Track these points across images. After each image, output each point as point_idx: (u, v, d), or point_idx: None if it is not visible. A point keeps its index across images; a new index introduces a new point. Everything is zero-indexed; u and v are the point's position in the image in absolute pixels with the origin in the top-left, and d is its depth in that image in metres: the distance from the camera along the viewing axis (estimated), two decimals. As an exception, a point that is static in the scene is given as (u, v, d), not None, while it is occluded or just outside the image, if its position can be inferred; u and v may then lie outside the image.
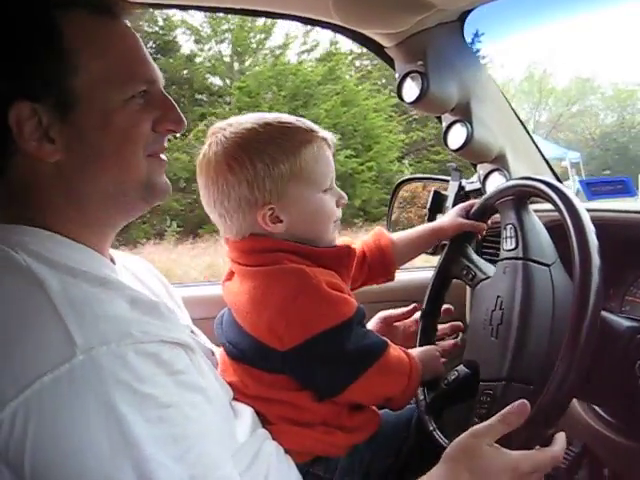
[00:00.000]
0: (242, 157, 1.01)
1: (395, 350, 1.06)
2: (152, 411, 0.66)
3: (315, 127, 1.08)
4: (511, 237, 1.12)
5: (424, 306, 1.29)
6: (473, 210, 1.27)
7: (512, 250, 1.10)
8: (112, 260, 0.92)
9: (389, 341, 1.06)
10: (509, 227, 1.13)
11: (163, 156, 0.88)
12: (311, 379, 1.01)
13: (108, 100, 0.79)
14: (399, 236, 1.33)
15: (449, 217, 1.31)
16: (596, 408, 1.20)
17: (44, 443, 0.63)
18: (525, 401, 0.87)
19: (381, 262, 1.29)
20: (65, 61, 0.76)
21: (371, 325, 1.30)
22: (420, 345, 1.23)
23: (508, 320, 1.02)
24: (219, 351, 1.11)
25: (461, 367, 1.10)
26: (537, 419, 0.88)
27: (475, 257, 1.24)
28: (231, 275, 1.12)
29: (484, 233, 1.29)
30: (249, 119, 1.06)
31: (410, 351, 1.10)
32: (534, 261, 1.07)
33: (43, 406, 0.63)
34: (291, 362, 0.99)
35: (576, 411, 1.23)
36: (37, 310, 0.67)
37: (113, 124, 0.80)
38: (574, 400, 1.18)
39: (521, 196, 1.16)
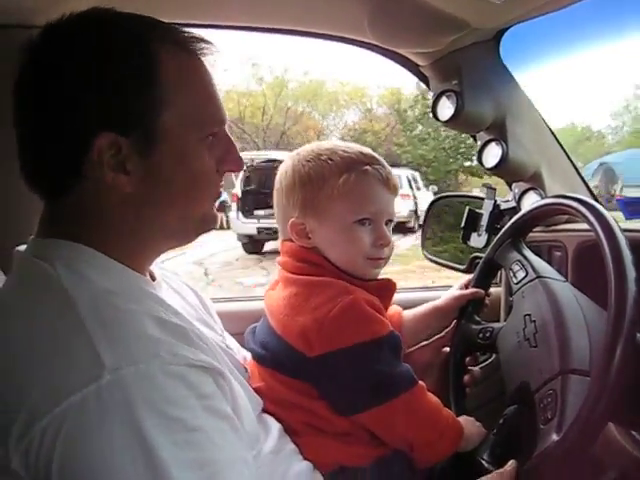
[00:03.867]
0: (295, 168, 1.10)
1: (432, 398, 1.04)
2: (179, 434, 0.66)
3: (375, 160, 1.10)
4: (519, 270, 1.17)
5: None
6: (472, 282, 1.29)
7: (524, 277, 1.14)
8: (152, 277, 0.93)
9: (424, 385, 1.03)
10: (514, 264, 1.19)
11: (221, 190, 0.90)
12: (331, 391, 1.01)
13: (188, 139, 0.81)
14: (409, 312, 1.30)
15: (447, 294, 1.30)
16: (634, 433, 1.17)
17: (70, 462, 0.63)
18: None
19: None
20: (158, 97, 0.78)
21: (410, 351, 1.25)
22: (454, 398, 1.21)
23: (543, 325, 1.03)
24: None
25: (508, 409, 1.05)
26: (574, 439, 0.86)
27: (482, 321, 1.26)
28: (275, 285, 1.16)
29: (487, 301, 1.29)
30: (322, 145, 1.13)
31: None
32: (550, 278, 1.09)
33: (71, 426, 0.63)
34: (316, 370, 0.99)
35: (613, 436, 1.20)
36: (67, 329, 0.68)
37: (188, 163, 0.81)
38: (611, 424, 1.15)
39: (517, 234, 1.23)
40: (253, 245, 11.98)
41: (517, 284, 1.16)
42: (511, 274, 1.19)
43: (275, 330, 1.06)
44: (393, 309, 1.28)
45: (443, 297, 1.30)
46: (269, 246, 11.30)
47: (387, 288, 1.13)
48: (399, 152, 23.11)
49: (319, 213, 1.06)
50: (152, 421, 0.64)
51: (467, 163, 23.52)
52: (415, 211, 14.51)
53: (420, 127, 24.17)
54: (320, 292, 1.03)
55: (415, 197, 15.09)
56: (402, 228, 13.27)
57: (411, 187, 15.60)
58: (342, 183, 1.06)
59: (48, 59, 0.78)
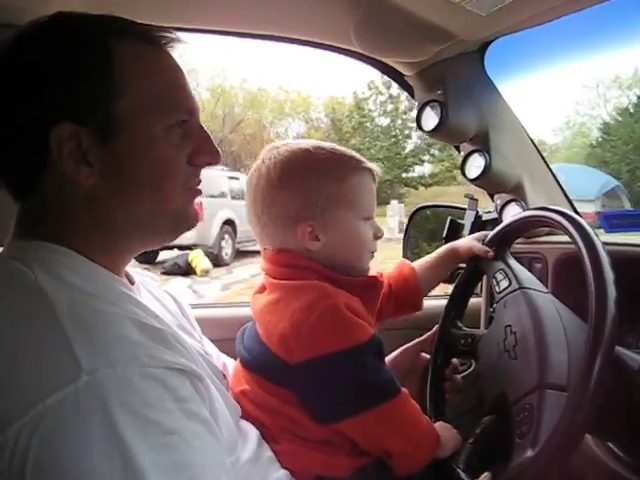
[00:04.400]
0: (293, 172, 1.07)
1: (412, 406, 1.04)
2: (156, 437, 0.65)
3: (363, 159, 1.13)
4: (503, 279, 1.18)
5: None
6: (488, 238, 1.31)
7: (507, 287, 1.16)
8: (130, 280, 0.92)
9: (406, 392, 1.03)
10: (498, 273, 1.21)
11: (199, 187, 0.89)
12: (311, 399, 0.99)
13: (150, 128, 0.79)
14: (419, 263, 1.36)
15: (464, 240, 1.37)
16: (610, 445, 1.18)
17: (45, 464, 0.62)
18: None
19: (406, 292, 1.31)
20: (112, 86, 0.77)
21: (391, 357, 1.28)
22: (432, 407, 1.23)
23: (523, 338, 1.04)
24: (234, 364, 1.13)
25: (485, 419, 1.06)
26: (550, 455, 0.86)
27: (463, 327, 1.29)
28: (262, 289, 1.15)
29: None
30: (305, 142, 1.12)
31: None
32: (531, 289, 1.11)
33: (47, 427, 0.62)
34: (297, 377, 0.98)
35: (590, 447, 1.21)
36: (44, 330, 0.67)
37: (153, 154, 0.80)
38: (587, 437, 1.16)
39: (502, 243, 1.25)
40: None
41: (500, 293, 1.17)
42: (494, 282, 1.20)
43: (260, 336, 1.06)
44: (405, 266, 1.35)
45: (459, 241, 1.38)
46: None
47: (374, 286, 1.15)
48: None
49: (329, 216, 1.07)
50: (129, 424, 0.63)
51: (404, 174, 24.07)
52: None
53: (355, 138, 24.40)
54: (300, 297, 1.02)
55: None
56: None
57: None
58: (350, 185, 1.09)
59: (5, 57, 0.78)
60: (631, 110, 22.08)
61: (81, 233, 0.80)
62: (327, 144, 1.13)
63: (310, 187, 1.06)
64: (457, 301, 1.34)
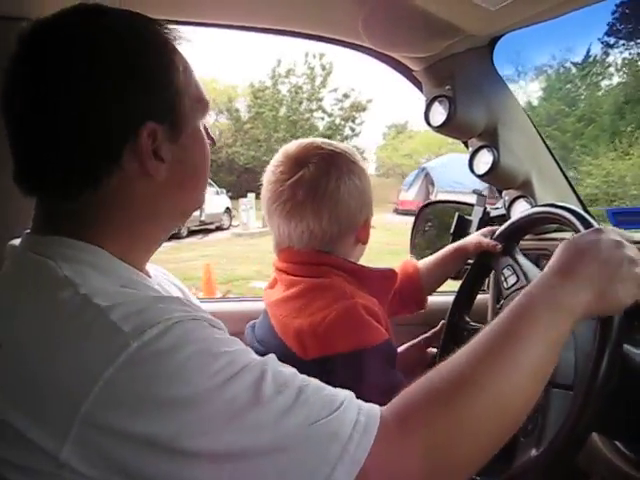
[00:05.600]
0: (354, 171, 1.11)
1: None
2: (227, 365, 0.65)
3: None
4: (511, 275, 1.18)
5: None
6: (497, 233, 1.30)
7: (515, 284, 1.16)
8: (147, 275, 0.92)
9: None
10: (506, 269, 1.20)
11: None
12: None
13: (197, 122, 0.84)
14: (425, 262, 1.38)
15: (472, 236, 1.38)
16: (616, 443, 1.18)
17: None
18: None
19: (410, 290, 1.31)
20: (176, 83, 0.80)
21: (399, 351, 1.29)
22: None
23: None
24: None
25: None
26: (554, 455, 0.86)
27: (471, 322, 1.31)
28: (274, 283, 1.17)
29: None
30: (329, 142, 1.15)
31: None
32: None
33: (114, 399, 0.61)
34: (310, 373, 0.98)
35: (596, 445, 1.20)
36: (75, 308, 0.67)
37: (202, 146, 0.86)
38: (594, 434, 1.16)
39: (510, 238, 1.25)
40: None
41: (508, 289, 1.17)
42: (502, 278, 1.20)
43: (275, 330, 1.07)
44: (409, 264, 1.37)
45: (467, 238, 1.40)
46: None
47: (391, 278, 1.17)
48: (231, 153, 23.19)
49: (350, 218, 1.11)
50: (197, 365, 0.64)
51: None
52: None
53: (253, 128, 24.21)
54: (319, 296, 1.04)
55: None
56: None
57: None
58: (361, 184, 1.12)
59: (79, 60, 0.76)
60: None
61: (114, 230, 0.80)
62: (327, 141, 1.16)
63: (363, 188, 1.11)
64: (465, 296, 1.34)
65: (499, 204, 1.74)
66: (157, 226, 0.85)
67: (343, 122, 26.51)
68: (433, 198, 14.38)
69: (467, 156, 1.59)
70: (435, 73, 1.55)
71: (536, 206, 1.50)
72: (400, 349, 1.29)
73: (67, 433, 0.61)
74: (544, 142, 1.70)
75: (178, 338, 0.65)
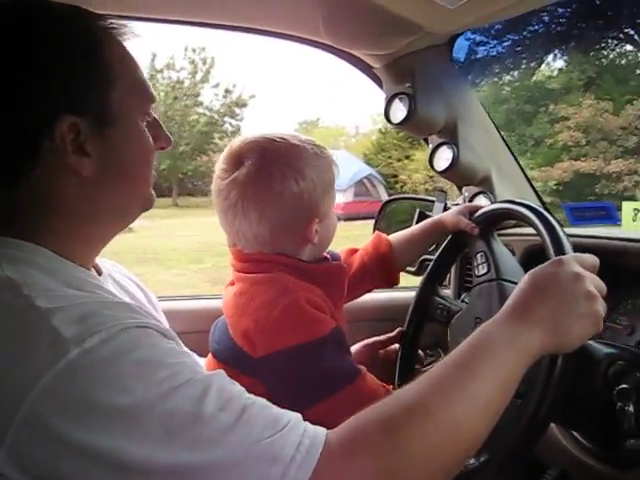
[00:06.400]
0: (301, 169, 1.05)
1: (373, 383, 1.04)
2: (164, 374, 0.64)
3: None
4: (483, 263, 1.16)
5: (404, 335, 1.31)
6: (476, 215, 1.27)
7: (485, 274, 1.15)
8: (98, 271, 0.91)
9: (366, 371, 1.04)
10: (479, 255, 1.18)
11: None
12: (276, 390, 0.98)
13: (135, 116, 0.82)
14: (399, 236, 1.37)
15: (451, 213, 1.33)
16: (575, 434, 1.20)
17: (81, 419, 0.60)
18: None
19: (382, 267, 1.32)
20: (104, 76, 0.78)
21: (353, 350, 1.28)
22: (400, 373, 1.24)
23: None
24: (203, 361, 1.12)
25: None
26: (515, 444, 0.87)
27: (446, 294, 1.30)
28: (232, 282, 1.15)
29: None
30: (286, 136, 1.09)
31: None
32: (508, 281, 1.10)
33: (52, 402, 0.60)
34: (261, 369, 0.99)
35: (555, 436, 1.22)
36: (17, 312, 0.65)
37: (138, 142, 0.83)
38: (553, 425, 1.18)
39: (489, 223, 1.22)
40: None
41: (478, 277, 1.17)
42: (475, 264, 1.19)
43: (227, 330, 1.06)
44: (381, 240, 1.35)
45: (446, 214, 1.35)
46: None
47: (339, 273, 1.15)
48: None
49: (327, 209, 1.11)
50: (134, 374, 0.62)
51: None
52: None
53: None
54: (262, 291, 1.03)
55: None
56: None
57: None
58: (332, 175, 1.11)
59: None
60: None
61: (56, 227, 0.78)
62: (298, 134, 1.12)
63: (314, 183, 1.06)
64: (438, 268, 1.34)
65: (459, 200, 1.75)
66: (95, 224, 0.82)
67: (220, 118, 26.81)
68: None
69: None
70: (395, 70, 1.56)
71: (495, 202, 1.52)
72: (353, 348, 1.29)
73: (1, 439, 0.59)
74: (503, 139, 1.73)
75: (121, 345, 0.63)
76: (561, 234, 0.97)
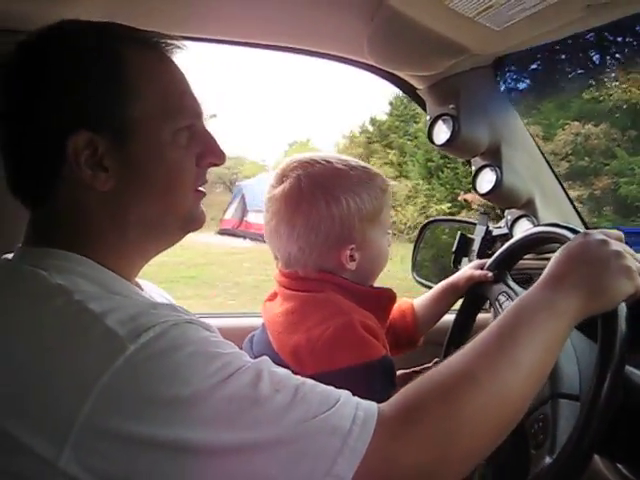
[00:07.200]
0: (336, 194, 1.06)
1: None
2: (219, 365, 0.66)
3: (383, 176, 1.16)
4: (506, 300, 1.18)
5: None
6: (488, 263, 1.30)
7: None
8: (139, 288, 0.92)
9: None
10: (501, 295, 1.20)
11: (203, 188, 0.89)
12: None
13: (160, 132, 0.81)
14: (420, 300, 1.38)
15: (461, 272, 1.36)
16: (619, 467, 1.16)
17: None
18: None
19: (404, 329, 1.32)
20: (125, 91, 0.78)
21: None
22: None
23: None
24: None
25: None
26: (568, 460, 0.85)
27: None
28: (274, 296, 1.16)
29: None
30: (333, 159, 1.10)
31: None
32: None
33: (113, 403, 0.61)
34: None
35: (598, 468, 1.19)
36: (70, 315, 0.67)
37: (164, 157, 0.81)
38: (597, 458, 1.14)
39: (502, 266, 1.25)
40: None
41: None
42: (497, 305, 1.19)
43: (272, 346, 1.06)
44: (404, 302, 1.35)
45: (457, 274, 1.37)
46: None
47: (389, 298, 1.16)
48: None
49: (367, 237, 1.10)
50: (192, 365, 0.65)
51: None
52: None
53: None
54: (315, 311, 1.03)
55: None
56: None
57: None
58: (381, 204, 1.12)
59: (18, 68, 0.79)
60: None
61: (94, 240, 0.80)
62: (351, 159, 1.13)
63: (354, 208, 1.07)
64: (458, 329, 1.34)
65: (502, 223, 1.73)
66: (126, 239, 0.83)
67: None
68: (251, 218, 13.96)
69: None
70: (439, 92, 1.56)
71: (537, 225, 1.50)
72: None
73: (66, 439, 0.60)
74: (547, 162, 1.70)
75: (174, 340, 0.65)
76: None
